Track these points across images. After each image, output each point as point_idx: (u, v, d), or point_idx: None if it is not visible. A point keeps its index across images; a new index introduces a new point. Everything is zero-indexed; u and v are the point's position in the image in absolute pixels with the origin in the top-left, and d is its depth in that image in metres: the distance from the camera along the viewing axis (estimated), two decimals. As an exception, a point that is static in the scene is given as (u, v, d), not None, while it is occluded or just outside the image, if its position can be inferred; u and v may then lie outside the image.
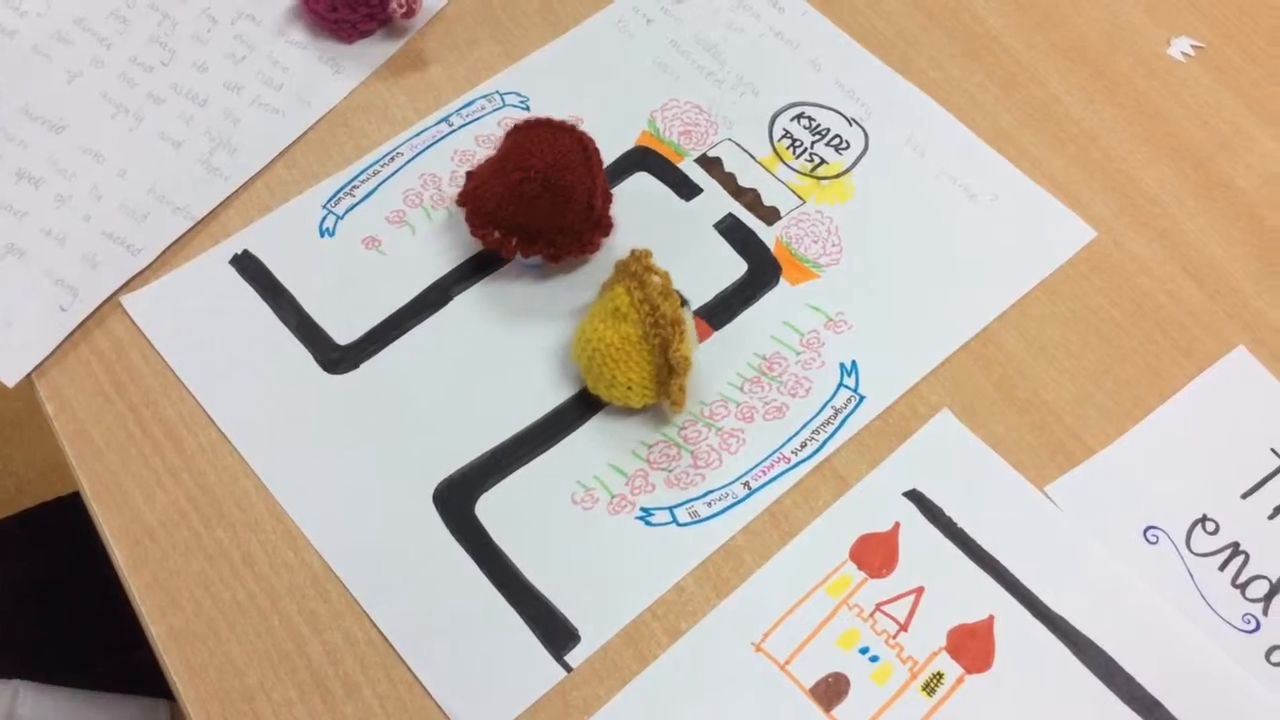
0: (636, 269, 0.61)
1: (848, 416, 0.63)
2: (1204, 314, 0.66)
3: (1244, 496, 0.61)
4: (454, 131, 0.71)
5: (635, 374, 0.60)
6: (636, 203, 0.69)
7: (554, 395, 0.63)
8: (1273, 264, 0.68)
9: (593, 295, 0.65)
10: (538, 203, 0.62)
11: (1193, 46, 0.76)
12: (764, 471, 0.61)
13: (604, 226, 0.66)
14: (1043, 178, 0.70)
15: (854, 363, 0.64)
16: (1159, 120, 0.73)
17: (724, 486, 0.61)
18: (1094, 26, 0.76)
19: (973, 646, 0.57)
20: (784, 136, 0.72)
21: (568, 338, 0.64)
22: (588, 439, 0.62)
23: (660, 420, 0.62)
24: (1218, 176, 0.71)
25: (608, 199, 0.67)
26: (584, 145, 0.63)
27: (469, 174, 0.67)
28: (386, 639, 0.57)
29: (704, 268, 0.67)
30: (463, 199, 0.66)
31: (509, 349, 0.64)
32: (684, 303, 0.61)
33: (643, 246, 0.62)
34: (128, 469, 0.61)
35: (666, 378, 0.60)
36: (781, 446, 0.62)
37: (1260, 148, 0.72)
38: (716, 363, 0.64)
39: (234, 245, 0.67)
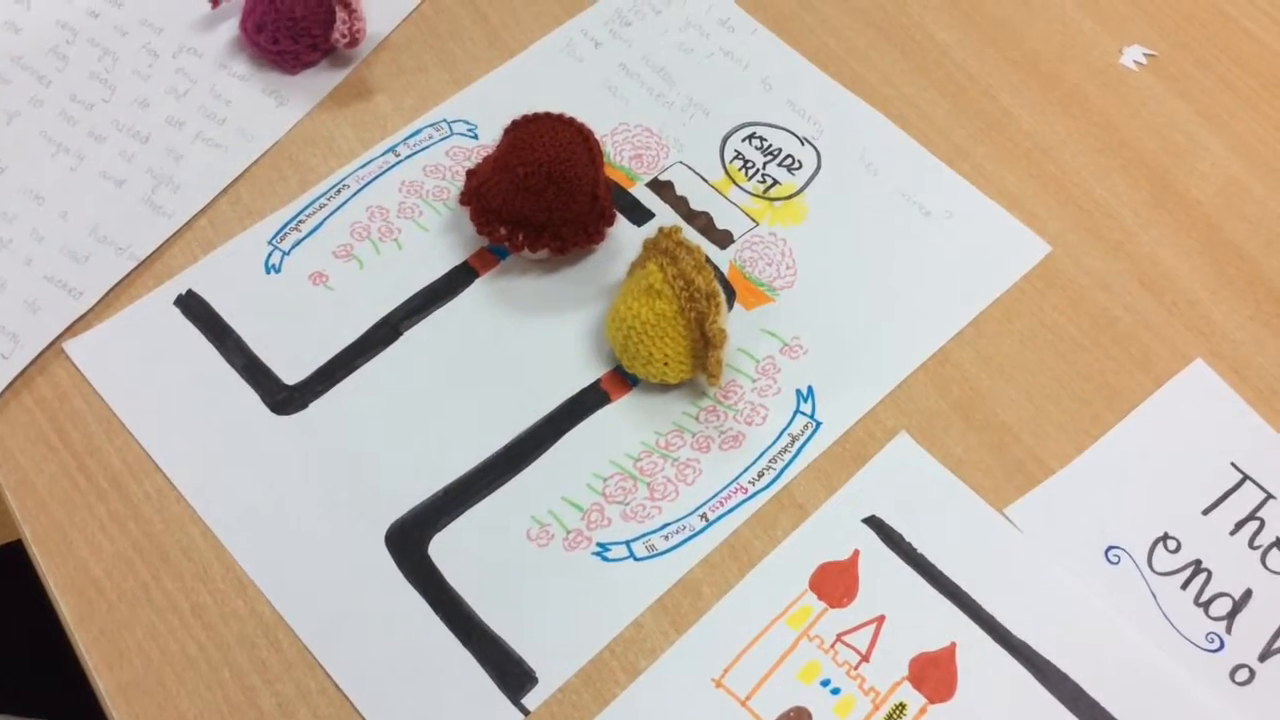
0: (668, 245, 0.61)
1: (805, 443, 0.62)
2: (1161, 327, 0.66)
3: (1205, 513, 0.61)
4: (401, 162, 0.70)
5: (671, 349, 0.60)
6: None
7: (507, 429, 0.62)
8: (1228, 273, 0.68)
9: (552, 324, 0.65)
10: (543, 195, 0.63)
11: (1145, 55, 0.76)
12: (721, 502, 0.60)
13: (608, 216, 0.66)
14: (996, 193, 0.70)
15: (810, 388, 0.63)
16: (1112, 131, 0.73)
17: (681, 519, 0.60)
18: (1045, 38, 0.76)
19: (935, 675, 0.56)
20: (736, 158, 0.71)
21: (518, 371, 0.64)
22: (542, 473, 0.61)
23: (615, 449, 0.62)
24: (1172, 186, 0.71)
25: (609, 188, 0.67)
26: (584, 136, 0.65)
27: (469, 173, 0.67)
28: (340, 688, 0.56)
29: (657, 295, 0.66)
30: (465, 198, 0.66)
31: (459, 384, 0.63)
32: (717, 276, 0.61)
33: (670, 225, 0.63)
34: (72, 519, 0.60)
35: (703, 351, 0.60)
36: (739, 476, 0.61)
37: (1213, 156, 0.72)
38: (672, 393, 0.63)
39: (178, 285, 0.66)
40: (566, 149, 0.63)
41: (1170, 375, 0.64)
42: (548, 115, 0.65)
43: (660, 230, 0.62)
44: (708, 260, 0.62)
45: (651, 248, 0.62)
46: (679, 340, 0.60)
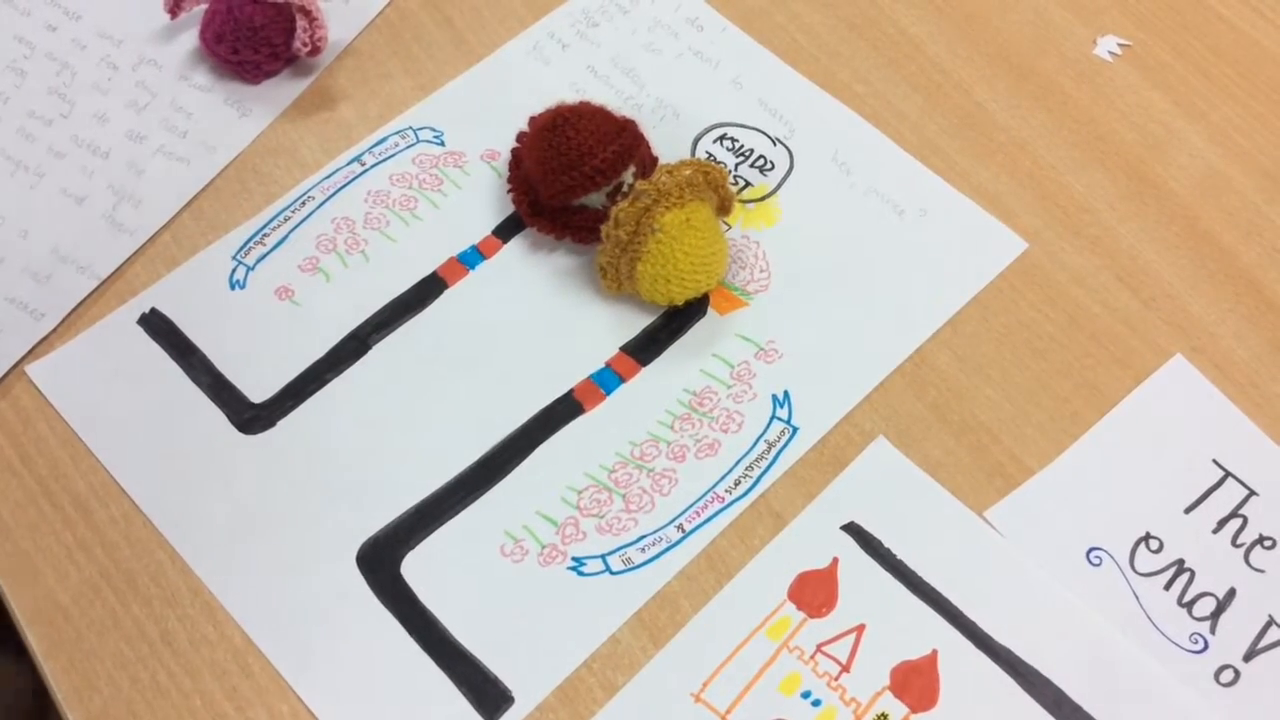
0: (650, 193, 0.60)
1: (781, 450, 0.61)
2: (1140, 323, 0.65)
3: (1187, 511, 0.60)
4: (366, 171, 0.69)
5: (720, 246, 0.63)
6: (558, 237, 0.67)
7: (479, 443, 0.61)
8: (1208, 266, 0.67)
9: (524, 334, 0.64)
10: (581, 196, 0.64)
11: (1120, 45, 0.75)
12: (698, 512, 0.60)
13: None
14: (971, 189, 0.69)
15: (786, 393, 0.63)
16: (1088, 123, 0.72)
17: (657, 530, 0.59)
18: (1018, 29, 0.75)
19: (917, 684, 0.55)
20: (707, 159, 0.70)
21: (489, 383, 0.63)
22: (515, 488, 0.60)
23: (590, 461, 0.61)
24: (1149, 179, 0.70)
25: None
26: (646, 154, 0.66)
27: (516, 155, 0.67)
28: (313, 713, 0.55)
29: (629, 301, 0.65)
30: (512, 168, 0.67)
31: (430, 398, 0.62)
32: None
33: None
34: (38, 546, 0.59)
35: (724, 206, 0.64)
36: (715, 485, 0.60)
37: (1191, 147, 0.71)
38: (646, 400, 0.62)
39: (141, 304, 0.65)
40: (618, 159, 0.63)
41: (1150, 371, 0.64)
42: (599, 111, 0.65)
43: (618, 208, 0.61)
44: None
45: (639, 210, 0.60)
46: (718, 236, 0.63)
